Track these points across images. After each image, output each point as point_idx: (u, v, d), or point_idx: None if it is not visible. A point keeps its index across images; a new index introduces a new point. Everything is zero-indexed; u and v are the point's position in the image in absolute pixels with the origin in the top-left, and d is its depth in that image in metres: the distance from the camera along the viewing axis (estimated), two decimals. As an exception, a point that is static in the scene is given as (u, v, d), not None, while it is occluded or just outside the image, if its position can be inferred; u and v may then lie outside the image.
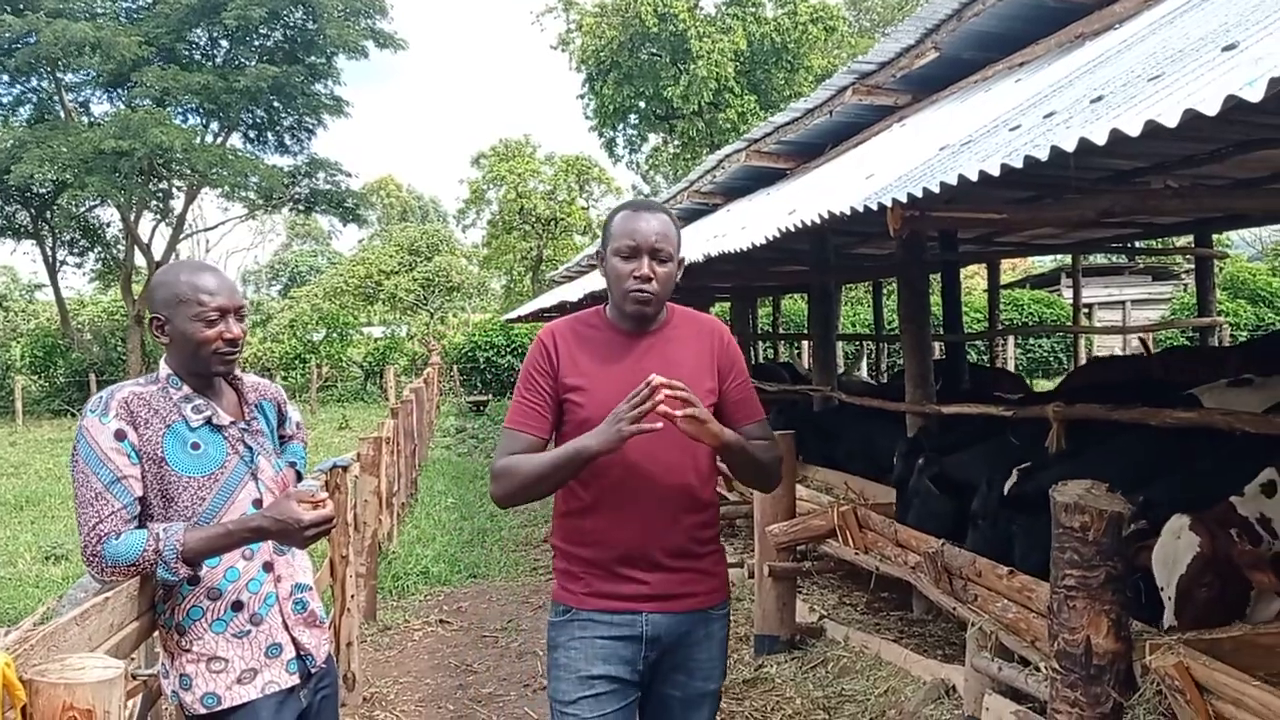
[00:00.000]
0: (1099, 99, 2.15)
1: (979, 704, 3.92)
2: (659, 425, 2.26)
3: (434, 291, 38.94)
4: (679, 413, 2.25)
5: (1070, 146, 1.89)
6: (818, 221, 3.25)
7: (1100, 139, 1.80)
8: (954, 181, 2.24)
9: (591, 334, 2.56)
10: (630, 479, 2.45)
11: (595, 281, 11.09)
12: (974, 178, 2.17)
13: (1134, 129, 1.75)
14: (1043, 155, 1.97)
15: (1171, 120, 1.68)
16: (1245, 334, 22.60)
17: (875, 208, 2.69)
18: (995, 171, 2.10)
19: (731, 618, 6.37)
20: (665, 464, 2.44)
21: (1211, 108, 1.63)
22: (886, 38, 5.67)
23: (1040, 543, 4.24)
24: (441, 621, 6.89)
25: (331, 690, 2.70)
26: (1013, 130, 2.45)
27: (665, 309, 2.58)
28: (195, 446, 2.41)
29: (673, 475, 2.46)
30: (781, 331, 18.24)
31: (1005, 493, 4.64)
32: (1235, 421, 3.84)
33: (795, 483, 5.90)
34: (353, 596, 5.28)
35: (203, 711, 2.40)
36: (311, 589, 2.65)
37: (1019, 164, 2.04)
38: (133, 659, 2.61)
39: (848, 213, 2.92)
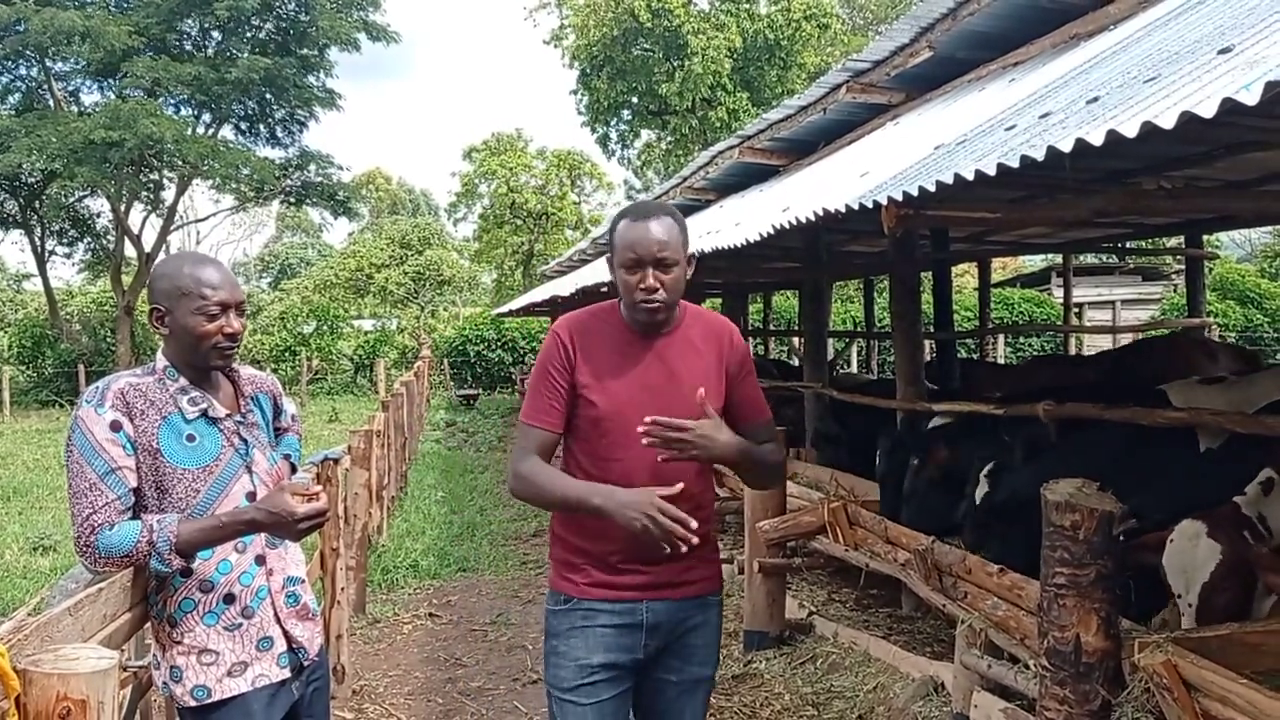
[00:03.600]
0: (1095, 100, 2.16)
1: (967, 701, 3.93)
2: (668, 551, 2.35)
3: (425, 285, 38.89)
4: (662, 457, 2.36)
5: (1067, 147, 1.89)
6: (813, 219, 3.26)
7: (1097, 140, 1.81)
8: (950, 180, 2.24)
9: (607, 330, 2.58)
10: (634, 477, 2.46)
11: (586, 276, 11.09)
12: (970, 177, 2.17)
13: (1131, 131, 1.76)
14: (1039, 155, 1.98)
15: (1168, 122, 1.69)
16: (1234, 335, 22.71)
17: (871, 206, 2.70)
18: (992, 171, 2.11)
19: (722, 613, 6.45)
20: (673, 471, 2.43)
21: (1208, 110, 1.63)
22: (881, 36, 5.68)
23: (1016, 547, 4.30)
24: (431, 615, 6.89)
25: (323, 683, 2.70)
26: (1009, 130, 2.45)
27: (678, 308, 2.59)
28: (191, 438, 2.41)
29: (674, 473, 2.45)
30: (772, 328, 18.26)
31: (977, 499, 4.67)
32: (1225, 422, 3.86)
33: (787, 479, 5.91)
34: (343, 589, 5.28)
35: (193, 704, 2.39)
36: (304, 582, 2.65)
37: (1015, 164, 2.05)
38: (123, 650, 2.60)
39: (843, 210, 2.93)
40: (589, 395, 2.52)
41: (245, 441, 2.52)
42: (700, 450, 2.39)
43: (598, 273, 10.23)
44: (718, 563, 2.69)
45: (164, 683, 2.43)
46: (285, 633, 2.52)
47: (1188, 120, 1.68)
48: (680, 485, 2.38)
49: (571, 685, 2.53)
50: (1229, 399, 4.44)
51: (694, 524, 2.36)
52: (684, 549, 2.36)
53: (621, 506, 2.38)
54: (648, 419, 2.34)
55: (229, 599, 2.44)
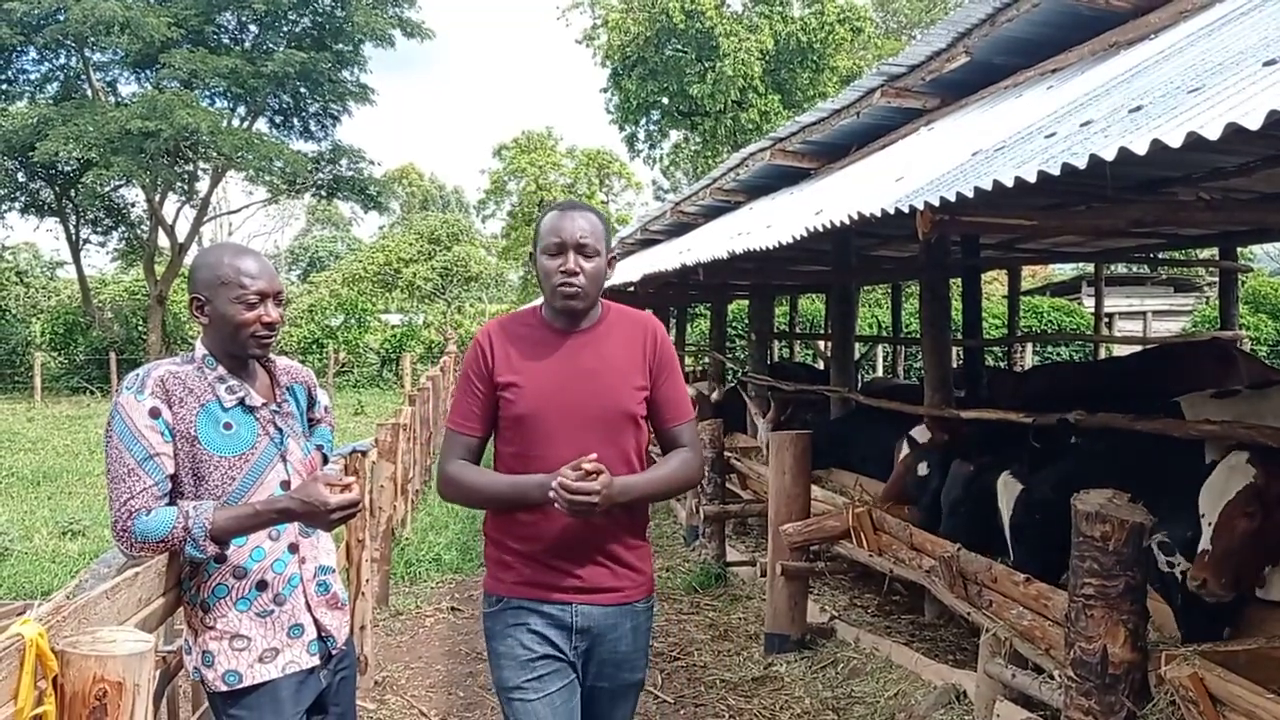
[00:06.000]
0: (1138, 109, 2.14)
1: (990, 710, 3.92)
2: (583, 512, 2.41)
3: (452, 281, 39.06)
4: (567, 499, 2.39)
5: (1110, 156, 1.88)
6: (847, 222, 3.25)
7: (1141, 149, 1.80)
8: (989, 187, 2.23)
9: (526, 332, 2.65)
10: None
11: (612, 275, 11.07)
12: (1010, 184, 2.16)
13: (1175, 140, 1.75)
14: (1081, 164, 1.97)
15: (1214, 133, 1.68)
16: (1265, 349, 22.44)
17: (907, 210, 2.69)
18: (1032, 178, 2.10)
19: (742, 615, 6.43)
20: (600, 463, 2.48)
21: (1254, 122, 1.63)
22: (917, 40, 5.65)
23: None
24: (453, 609, 6.93)
25: (350, 672, 2.73)
26: (1049, 138, 2.44)
27: (600, 306, 2.67)
28: (227, 426, 2.44)
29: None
30: (798, 331, 18.20)
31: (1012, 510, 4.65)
32: (1257, 436, 3.82)
33: (810, 483, 5.89)
34: (367, 581, 5.31)
35: (224, 689, 2.42)
36: (334, 571, 2.68)
37: (1056, 171, 2.04)
38: (155, 635, 2.63)
39: (878, 214, 2.92)
40: (508, 395, 2.58)
41: (280, 431, 2.55)
42: (603, 503, 2.42)
43: (627, 271, 10.24)
44: (647, 571, 2.72)
45: (195, 667, 2.46)
46: (315, 621, 2.55)
47: (1233, 132, 1.67)
48: (594, 455, 2.43)
49: (516, 683, 2.58)
50: (1240, 412, 4.44)
51: (595, 486, 2.39)
52: (593, 508, 2.39)
53: (541, 488, 2.45)
54: (554, 485, 2.38)
55: (261, 586, 2.47)
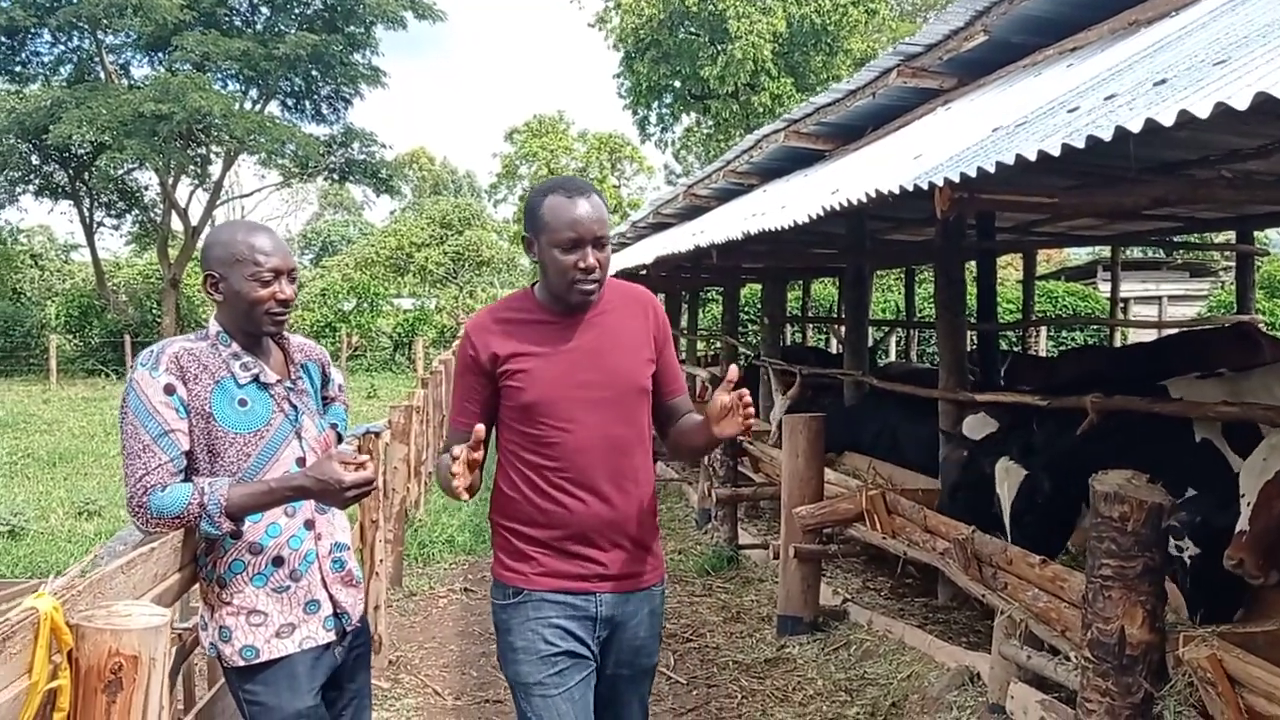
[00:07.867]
0: (1163, 82, 2.11)
1: (1004, 692, 3.90)
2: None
3: (464, 265, 39.08)
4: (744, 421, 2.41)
5: (1136, 128, 1.85)
6: (864, 200, 3.22)
7: (1168, 120, 1.77)
8: (1010, 161, 2.20)
9: (521, 318, 2.52)
10: (590, 457, 2.46)
11: (622, 259, 11.07)
12: (1033, 157, 2.13)
13: (1203, 111, 1.72)
14: (1107, 135, 1.93)
15: (1242, 103, 1.65)
16: (1282, 334, 22.26)
17: (926, 187, 2.66)
18: (1056, 151, 2.07)
19: (755, 598, 6.43)
20: (620, 442, 2.49)
21: (1283, 91, 1.60)
22: (934, 20, 5.59)
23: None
24: (466, 590, 6.94)
25: (365, 650, 2.73)
26: (1071, 112, 2.40)
27: None
28: (242, 403, 2.44)
29: (627, 454, 2.51)
30: (811, 315, 18.15)
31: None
32: (1277, 417, 3.80)
33: (824, 466, 5.88)
34: (381, 561, 5.32)
35: (241, 664, 2.43)
36: (349, 549, 2.68)
37: (1081, 144, 2.01)
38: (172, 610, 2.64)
39: (895, 192, 2.89)
40: (514, 383, 2.48)
41: (295, 408, 2.54)
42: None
43: (639, 254, 10.22)
44: (659, 554, 2.67)
45: (211, 643, 2.46)
46: (331, 597, 2.55)
47: (1263, 100, 1.64)
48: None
49: (537, 679, 2.48)
50: (1221, 394, 4.54)
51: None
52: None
53: (451, 441, 2.46)
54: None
55: (278, 562, 2.47)
